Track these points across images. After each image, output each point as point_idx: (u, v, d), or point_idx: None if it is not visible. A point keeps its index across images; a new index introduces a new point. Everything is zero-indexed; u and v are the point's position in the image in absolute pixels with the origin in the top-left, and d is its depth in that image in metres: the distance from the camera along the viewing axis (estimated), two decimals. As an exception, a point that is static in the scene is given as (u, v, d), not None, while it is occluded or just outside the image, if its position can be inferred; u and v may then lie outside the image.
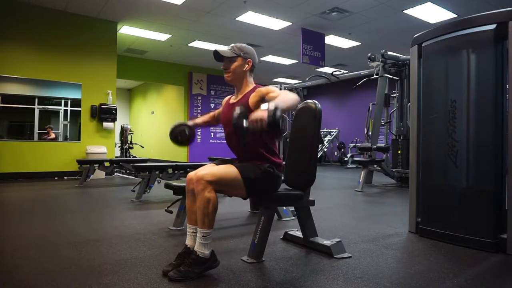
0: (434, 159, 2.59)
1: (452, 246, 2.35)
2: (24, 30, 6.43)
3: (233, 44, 2.02)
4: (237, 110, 1.63)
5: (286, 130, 9.39)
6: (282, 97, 1.68)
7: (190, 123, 2.24)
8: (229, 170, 1.83)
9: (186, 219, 2.09)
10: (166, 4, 6.32)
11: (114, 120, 7.27)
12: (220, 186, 1.79)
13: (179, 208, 2.84)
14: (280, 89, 9.38)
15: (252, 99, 1.92)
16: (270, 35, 7.94)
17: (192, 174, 1.86)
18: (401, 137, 6.04)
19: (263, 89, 1.92)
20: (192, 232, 1.84)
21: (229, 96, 2.17)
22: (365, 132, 7.90)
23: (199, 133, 11.03)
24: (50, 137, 6.95)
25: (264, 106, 1.54)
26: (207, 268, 1.78)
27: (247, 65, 2.01)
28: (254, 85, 2.04)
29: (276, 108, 1.49)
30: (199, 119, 2.32)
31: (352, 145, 11.42)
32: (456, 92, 2.43)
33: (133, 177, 6.86)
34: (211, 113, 2.32)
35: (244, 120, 1.58)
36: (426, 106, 2.67)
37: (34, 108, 6.85)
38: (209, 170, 1.80)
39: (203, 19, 7.09)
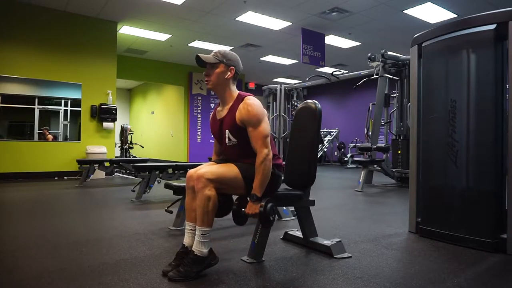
0: (434, 159, 2.59)
1: (452, 246, 2.35)
2: (24, 30, 6.43)
3: (216, 50, 1.95)
4: (233, 207, 1.88)
5: (286, 130, 9.38)
6: (260, 176, 1.79)
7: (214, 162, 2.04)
8: (230, 169, 1.83)
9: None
10: (166, 4, 6.32)
11: (114, 120, 7.27)
12: (221, 184, 1.78)
13: (179, 208, 2.84)
14: (280, 89, 9.38)
15: (238, 116, 1.85)
16: (270, 35, 7.94)
17: (192, 172, 1.86)
18: (401, 137, 6.04)
19: (244, 114, 1.82)
20: (191, 229, 1.84)
21: (214, 108, 2.08)
22: (365, 132, 7.90)
23: (199, 133, 11.03)
24: (48, 139, 6.93)
25: (253, 199, 1.80)
26: (207, 266, 1.78)
27: (229, 73, 1.91)
28: (237, 93, 1.96)
29: (266, 203, 1.78)
30: (216, 156, 2.15)
31: (352, 145, 11.43)
32: (456, 92, 2.43)
33: (133, 177, 6.86)
34: (216, 144, 2.15)
35: (242, 209, 1.85)
36: (426, 106, 2.67)
37: (34, 108, 6.85)
38: (209, 168, 1.80)
39: (203, 19, 7.09)
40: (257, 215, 1.78)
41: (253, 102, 1.86)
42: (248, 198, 1.83)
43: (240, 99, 1.91)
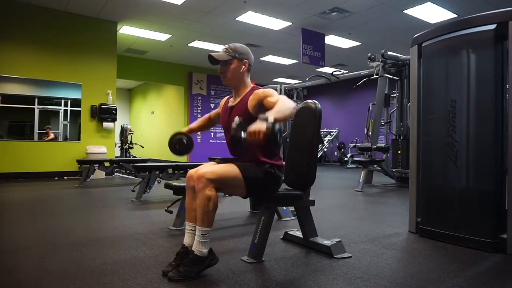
0: (434, 159, 2.59)
1: (452, 246, 2.35)
2: (24, 30, 6.43)
3: (227, 46, 1.99)
4: (235, 121, 1.65)
5: (286, 130, 9.38)
6: (280, 106, 1.67)
7: (185, 130, 2.23)
8: (230, 169, 1.83)
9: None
10: (166, 4, 6.32)
11: (114, 120, 7.27)
12: (221, 184, 1.78)
13: (179, 208, 2.84)
14: (280, 89, 9.39)
15: (250, 102, 1.91)
16: (270, 35, 7.94)
17: (192, 172, 1.86)
18: (401, 137, 6.04)
19: (260, 92, 1.90)
20: (191, 229, 1.84)
21: (226, 98, 2.15)
22: (365, 132, 7.90)
23: (199, 133, 11.02)
24: (49, 138, 6.95)
25: (262, 117, 1.54)
26: (206, 266, 1.78)
27: (243, 66, 1.98)
28: (252, 85, 2.03)
29: (274, 122, 1.52)
30: (194, 124, 2.29)
31: (352, 145, 11.42)
32: (456, 92, 2.43)
33: (133, 177, 6.86)
34: (206, 116, 2.30)
35: (242, 132, 1.60)
36: (426, 106, 2.66)
37: (34, 108, 6.86)
38: (210, 168, 1.79)
39: (203, 19, 7.09)
40: (261, 134, 1.49)
41: (268, 89, 1.95)
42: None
43: (254, 89, 1.98)
